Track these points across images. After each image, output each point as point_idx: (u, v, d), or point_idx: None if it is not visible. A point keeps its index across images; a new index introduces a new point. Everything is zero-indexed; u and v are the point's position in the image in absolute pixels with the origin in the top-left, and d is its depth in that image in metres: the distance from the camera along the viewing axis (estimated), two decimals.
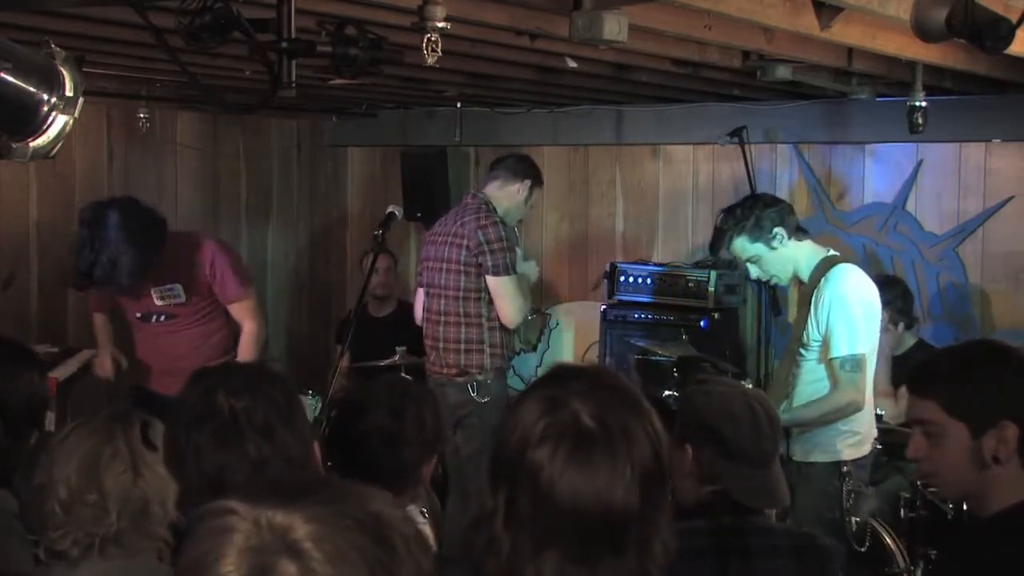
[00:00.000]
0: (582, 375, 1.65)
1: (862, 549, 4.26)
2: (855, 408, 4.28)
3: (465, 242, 5.21)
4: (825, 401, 4.30)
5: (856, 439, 4.36)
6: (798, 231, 4.43)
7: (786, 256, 4.38)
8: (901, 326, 5.45)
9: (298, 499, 1.13)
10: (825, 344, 4.27)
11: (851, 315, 4.24)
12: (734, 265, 6.29)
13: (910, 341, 5.51)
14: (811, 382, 4.36)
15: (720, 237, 4.45)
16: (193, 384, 2.32)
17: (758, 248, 4.37)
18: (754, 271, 4.47)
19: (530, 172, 5.48)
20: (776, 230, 4.34)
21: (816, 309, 4.29)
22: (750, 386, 4.43)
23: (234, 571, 1.09)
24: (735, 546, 2.63)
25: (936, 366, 2.28)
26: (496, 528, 1.57)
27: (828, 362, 4.28)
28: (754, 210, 4.38)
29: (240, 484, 2.09)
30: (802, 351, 4.39)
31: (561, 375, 1.67)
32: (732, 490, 2.71)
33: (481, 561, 1.59)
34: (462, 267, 5.23)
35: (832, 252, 4.48)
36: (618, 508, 1.54)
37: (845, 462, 4.30)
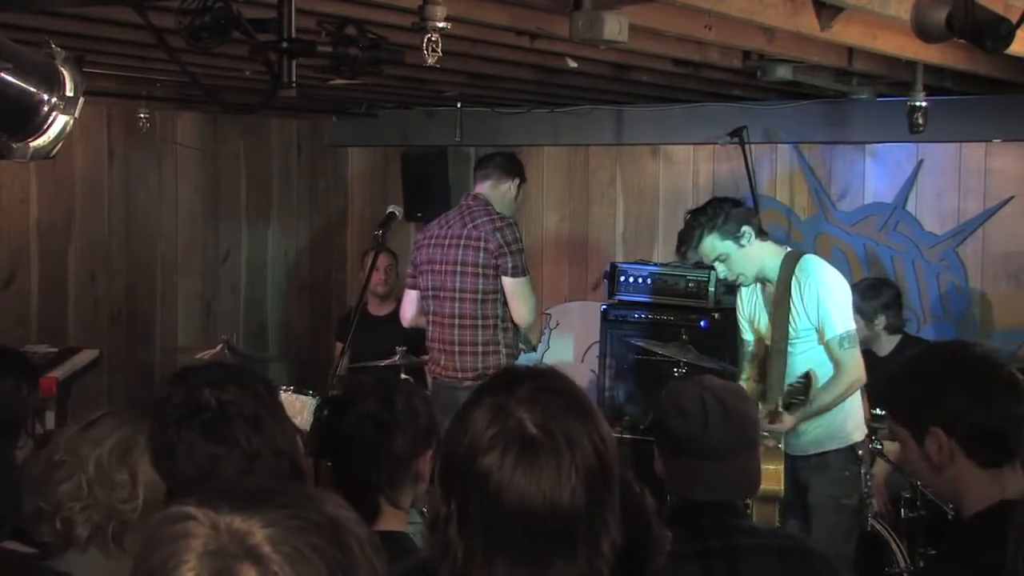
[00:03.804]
0: (527, 380, 1.69)
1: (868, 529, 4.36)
2: (861, 382, 4.44)
3: (483, 244, 5.19)
4: (836, 383, 4.40)
5: (859, 419, 4.51)
6: (761, 232, 4.54)
7: (753, 255, 4.48)
8: (882, 329, 5.39)
9: (255, 504, 1.15)
10: (820, 329, 4.40)
11: (838, 296, 4.42)
12: None
13: (893, 342, 5.44)
14: (819, 364, 4.41)
15: (688, 237, 4.52)
16: (175, 383, 2.35)
17: (727, 246, 4.46)
18: (722, 270, 4.55)
19: (518, 170, 5.51)
20: (744, 228, 4.45)
21: (803, 299, 4.40)
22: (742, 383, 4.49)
23: None
24: (721, 548, 2.63)
25: (890, 376, 2.35)
26: (450, 534, 1.62)
27: (826, 344, 4.40)
28: (723, 209, 4.49)
29: (232, 476, 2.13)
30: (790, 345, 4.46)
31: (507, 381, 1.70)
32: (678, 483, 2.71)
33: (437, 566, 1.63)
34: (480, 269, 5.21)
35: (790, 249, 4.61)
36: (564, 510, 1.58)
37: (858, 443, 4.44)
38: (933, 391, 2.15)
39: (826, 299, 4.38)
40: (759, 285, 4.61)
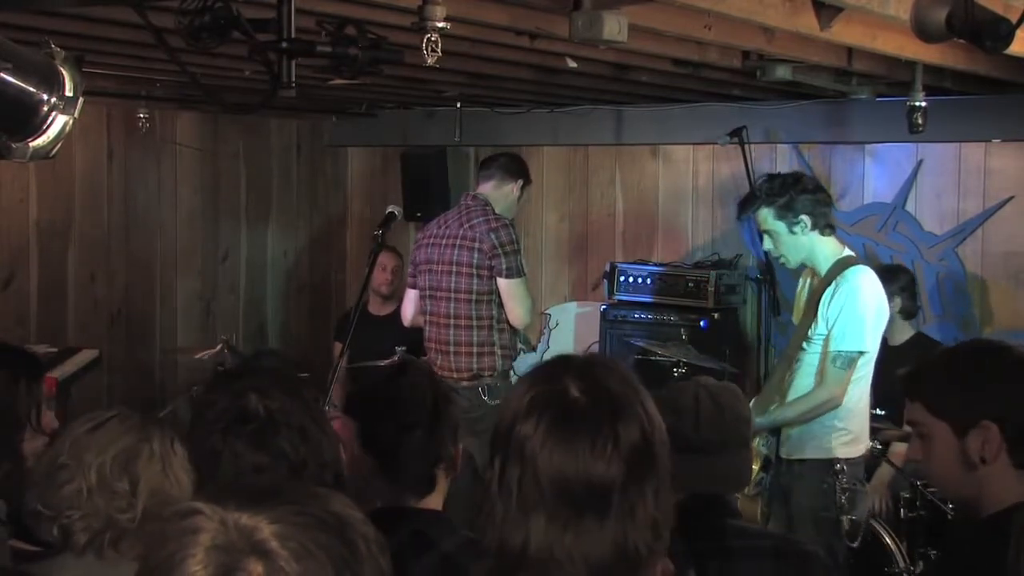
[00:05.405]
0: (585, 357, 1.73)
1: (853, 545, 4.30)
2: (833, 405, 4.33)
3: (477, 245, 5.20)
4: (804, 400, 4.36)
5: (849, 437, 4.39)
6: (827, 227, 4.46)
7: (801, 244, 4.43)
8: (897, 312, 5.37)
9: (262, 501, 1.16)
10: (828, 337, 4.33)
11: (860, 313, 4.30)
12: (734, 265, 6.32)
13: (908, 332, 5.46)
14: (808, 374, 4.40)
15: (750, 201, 4.53)
16: (219, 387, 2.30)
17: (778, 226, 4.43)
18: (767, 243, 4.54)
19: (522, 171, 5.52)
20: (802, 217, 4.39)
21: (827, 306, 4.34)
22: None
23: (201, 570, 1.11)
24: (714, 548, 2.64)
25: (924, 368, 2.30)
26: (491, 495, 1.65)
27: (824, 354, 4.33)
28: (791, 190, 4.43)
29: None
30: (804, 346, 4.42)
31: (566, 357, 1.74)
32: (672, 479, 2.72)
33: (481, 526, 1.68)
34: (474, 270, 5.21)
35: (850, 253, 4.53)
36: (598, 479, 1.59)
37: (839, 459, 4.32)
38: (996, 386, 2.14)
39: (848, 311, 4.27)
40: (813, 277, 4.54)
